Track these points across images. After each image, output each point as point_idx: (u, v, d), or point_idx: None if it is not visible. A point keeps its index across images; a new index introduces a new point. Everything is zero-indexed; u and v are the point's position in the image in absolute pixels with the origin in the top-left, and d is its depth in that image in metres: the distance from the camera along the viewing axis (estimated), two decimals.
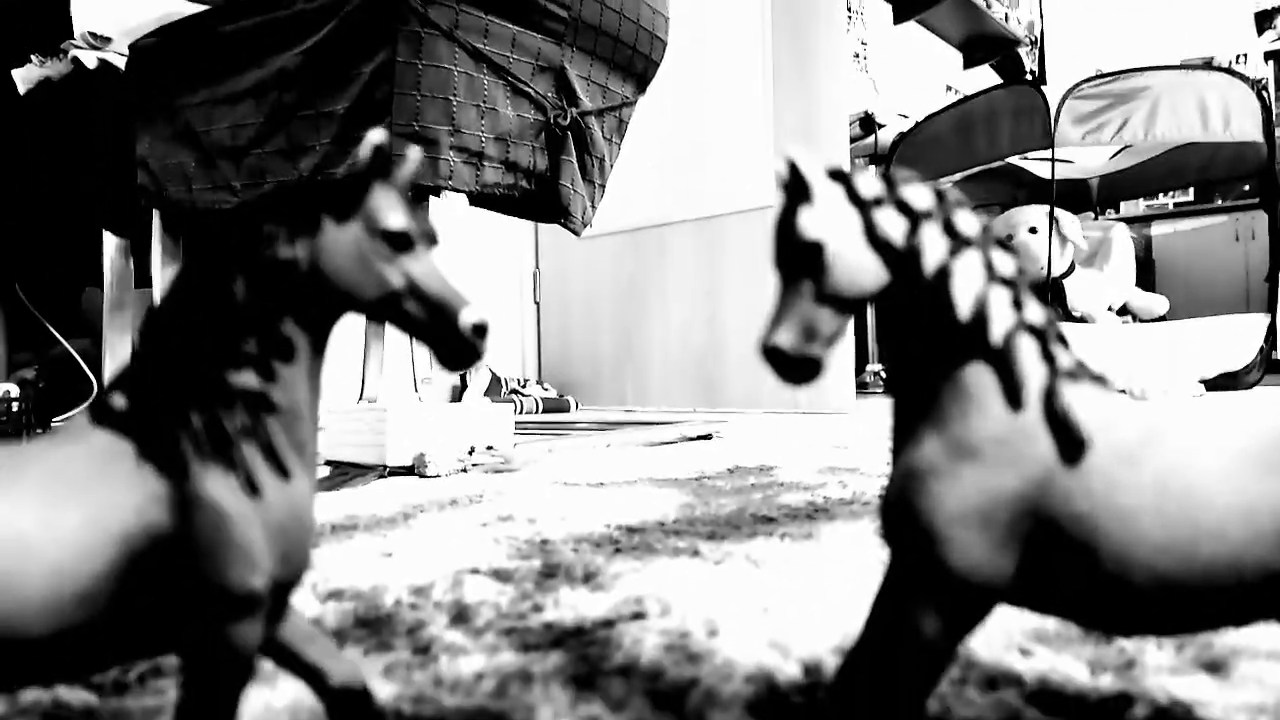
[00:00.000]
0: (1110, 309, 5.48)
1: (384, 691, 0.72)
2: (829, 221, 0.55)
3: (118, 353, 2.79)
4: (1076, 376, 0.57)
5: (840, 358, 3.97)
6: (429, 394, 2.42)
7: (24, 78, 2.71)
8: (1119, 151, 5.96)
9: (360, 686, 0.61)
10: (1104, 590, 0.53)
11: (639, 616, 0.89)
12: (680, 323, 4.85)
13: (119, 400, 0.53)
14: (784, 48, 4.40)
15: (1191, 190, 7.00)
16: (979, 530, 0.53)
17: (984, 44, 8.29)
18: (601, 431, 2.90)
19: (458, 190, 2.12)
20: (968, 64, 8.29)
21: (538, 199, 2.31)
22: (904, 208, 0.57)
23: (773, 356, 0.54)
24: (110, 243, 2.78)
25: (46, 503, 0.49)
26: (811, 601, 0.93)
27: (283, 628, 0.60)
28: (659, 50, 2.57)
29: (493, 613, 0.92)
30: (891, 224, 0.56)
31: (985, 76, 8.07)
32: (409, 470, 2.07)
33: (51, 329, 3.37)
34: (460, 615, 0.91)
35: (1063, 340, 0.57)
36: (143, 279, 2.76)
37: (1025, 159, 5.58)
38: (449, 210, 2.14)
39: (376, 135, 0.54)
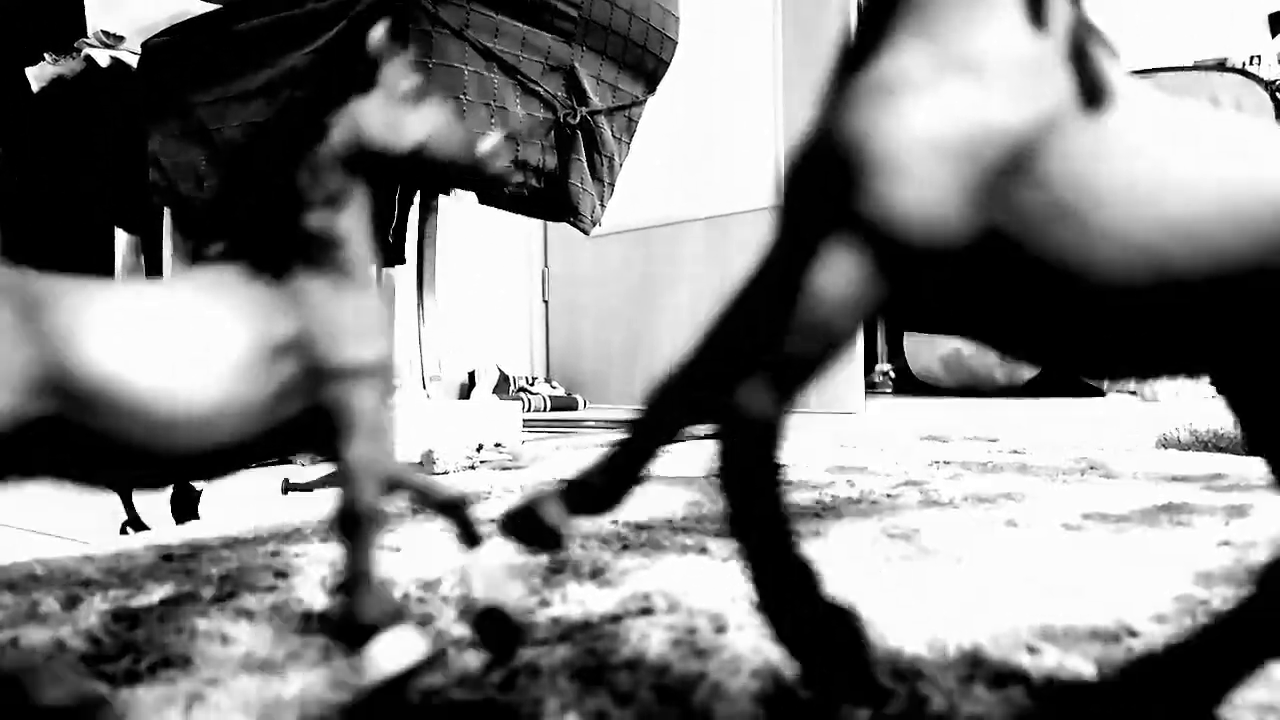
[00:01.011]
0: None
1: None
2: None
3: None
4: (1097, 33, 0.46)
5: (850, 357, 3.96)
6: (437, 391, 2.43)
7: (37, 76, 2.73)
8: None
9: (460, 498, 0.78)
10: (1089, 281, 0.41)
11: (646, 612, 0.89)
12: (690, 321, 4.85)
13: (215, 248, 0.67)
14: (794, 47, 4.39)
15: None
16: (951, 165, 0.41)
17: None
18: (610, 429, 2.90)
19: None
20: None
21: (547, 197, 2.31)
22: None
23: None
24: (121, 240, 2.80)
25: (198, 302, 0.63)
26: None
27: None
28: (669, 49, 2.57)
29: None
30: None
31: None
32: (417, 467, 2.08)
33: None
34: (468, 610, 0.91)
35: None
36: (153, 276, 2.77)
37: None
38: (459, 208, 2.14)
39: (380, 27, 0.76)
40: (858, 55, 0.47)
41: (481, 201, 2.27)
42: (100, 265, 2.92)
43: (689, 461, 2.22)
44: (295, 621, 1.03)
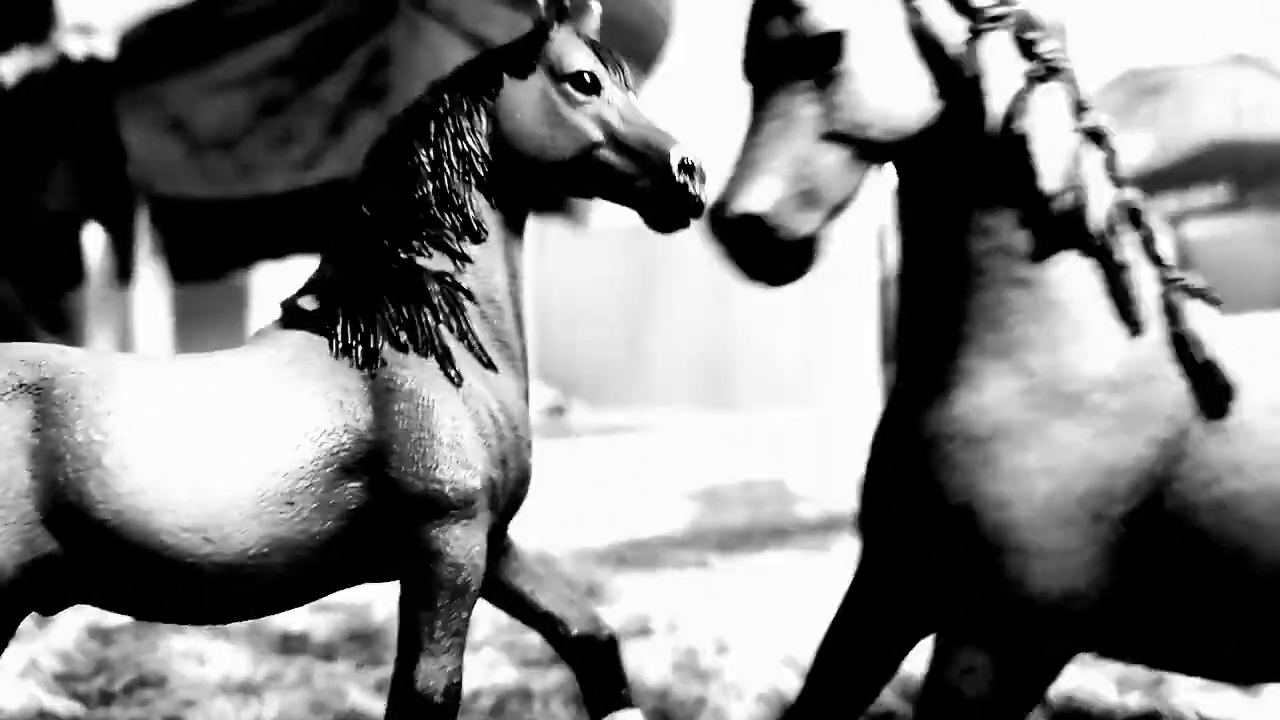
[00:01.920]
0: None
1: (376, 708, 0.70)
2: (853, 4, 0.35)
3: (99, 348, 2.79)
4: (1189, 290, 0.40)
5: (861, 355, 3.90)
6: None
7: (10, 67, 2.71)
8: (1150, 148, 5.96)
9: (605, 636, 0.57)
10: (1258, 615, 0.37)
11: (645, 633, 0.87)
12: (688, 322, 4.84)
13: (308, 302, 0.52)
14: None
15: (1227, 190, 6.98)
16: (1077, 528, 0.35)
17: None
18: (606, 436, 2.88)
19: None
20: None
21: None
22: (960, 2, 0.38)
23: (741, 230, 0.35)
24: (94, 235, 2.80)
25: (244, 406, 0.48)
26: (825, 617, 0.90)
27: (507, 566, 0.56)
28: (662, 34, 2.57)
29: (490, 627, 0.89)
30: (945, 22, 0.37)
31: None
32: None
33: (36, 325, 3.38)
34: None
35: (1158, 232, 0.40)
36: (124, 273, 2.79)
37: None
38: None
39: None
40: (918, 365, 0.39)
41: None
42: (72, 265, 2.93)
43: (688, 472, 2.20)
44: (274, 641, 1.01)
